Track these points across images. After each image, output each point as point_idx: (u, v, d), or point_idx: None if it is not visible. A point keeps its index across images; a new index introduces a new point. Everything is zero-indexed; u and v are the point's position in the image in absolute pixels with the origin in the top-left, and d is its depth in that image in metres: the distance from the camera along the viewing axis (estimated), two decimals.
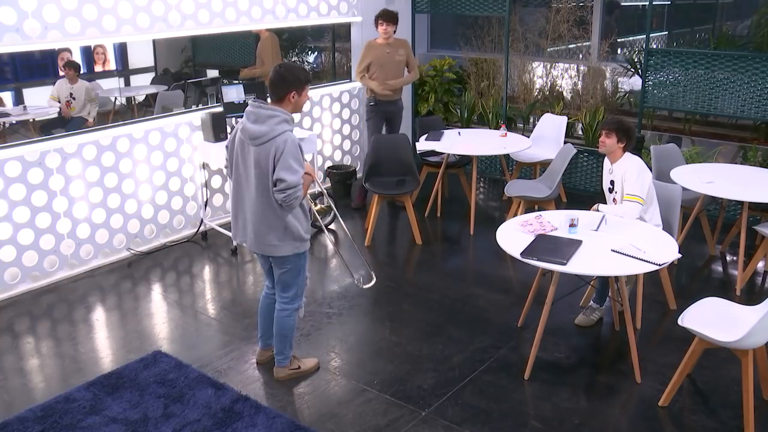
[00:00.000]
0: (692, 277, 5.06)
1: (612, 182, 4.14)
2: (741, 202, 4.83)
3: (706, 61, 5.88)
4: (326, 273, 5.12)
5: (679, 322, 3.33)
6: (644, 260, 3.45)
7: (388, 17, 6.04)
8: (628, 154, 4.07)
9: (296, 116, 6.53)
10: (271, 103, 3.30)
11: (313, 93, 6.73)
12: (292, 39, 9.37)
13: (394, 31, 6.08)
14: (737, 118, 6.41)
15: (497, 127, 6.85)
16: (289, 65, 3.38)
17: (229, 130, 5.54)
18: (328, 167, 6.91)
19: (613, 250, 3.57)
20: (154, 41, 7.24)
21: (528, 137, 6.34)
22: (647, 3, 5.99)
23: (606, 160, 4.19)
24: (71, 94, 6.72)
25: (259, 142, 3.19)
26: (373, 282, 4.57)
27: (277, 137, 3.17)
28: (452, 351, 4.00)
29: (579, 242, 3.65)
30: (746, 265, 4.83)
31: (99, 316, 4.51)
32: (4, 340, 4.19)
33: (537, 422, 3.38)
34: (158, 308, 4.62)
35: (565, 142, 6.06)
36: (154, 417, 3.40)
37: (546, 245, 3.62)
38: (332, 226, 5.98)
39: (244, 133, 3.26)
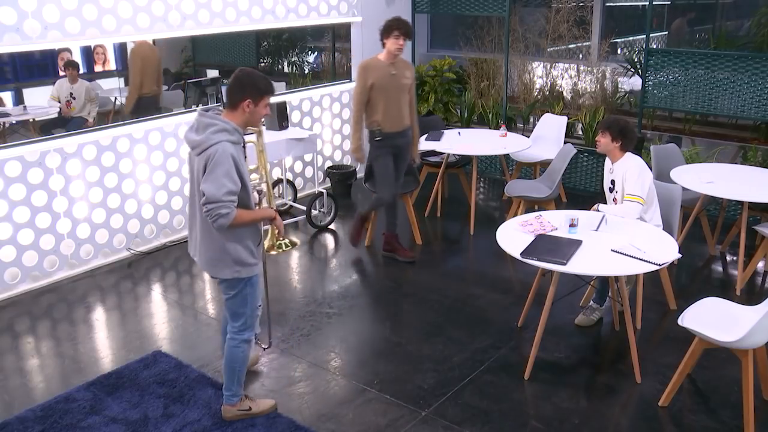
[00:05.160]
0: (692, 277, 5.06)
1: (612, 182, 4.14)
2: (741, 202, 4.83)
3: (706, 61, 5.88)
4: (326, 273, 5.12)
5: (679, 322, 3.33)
6: (644, 260, 3.45)
7: (406, 29, 4.78)
8: (629, 154, 4.06)
9: (296, 115, 6.54)
10: (225, 110, 3.02)
11: (313, 93, 6.74)
12: (292, 39, 9.37)
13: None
14: (737, 118, 6.40)
15: (497, 127, 6.85)
16: (251, 71, 3.03)
17: None
18: (328, 167, 6.91)
19: (613, 250, 3.57)
20: (154, 41, 7.22)
21: (528, 137, 6.34)
22: (647, 3, 5.99)
23: (607, 160, 4.19)
24: (71, 94, 6.72)
25: (197, 152, 2.94)
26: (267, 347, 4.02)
27: (210, 147, 2.87)
28: (452, 351, 4.00)
29: (579, 242, 3.65)
30: (746, 265, 4.83)
31: (99, 316, 4.51)
32: (4, 340, 4.19)
33: (537, 422, 3.38)
34: (158, 308, 4.62)
35: (565, 142, 6.06)
36: (154, 417, 3.40)
37: (546, 245, 3.62)
38: (332, 227, 5.98)
39: (186, 142, 3.03)
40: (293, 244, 3.39)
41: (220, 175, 2.85)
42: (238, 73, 3.00)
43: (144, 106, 6.54)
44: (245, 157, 3.03)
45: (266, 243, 3.65)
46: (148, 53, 6.53)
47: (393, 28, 4.78)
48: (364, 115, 4.93)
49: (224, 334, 3.40)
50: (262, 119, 3.13)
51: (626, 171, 4.01)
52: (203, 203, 2.87)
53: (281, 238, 3.36)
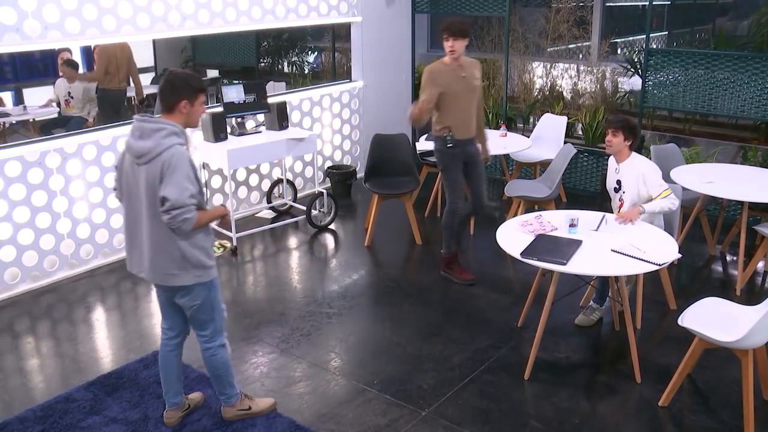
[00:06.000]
0: (692, 277, 5.06)
1: (618, 182, 4.12)
2: (741, 202, 4.83)
3: (706, 61, 5.88)
4: (326, 273, 5.12)
5: (679, 322, 3.33)
6: (644, 260, 3.45)
7: (452, 29, 4.46)
8: (634, 154, 4.06)
9: (296, 115, 6.54)
10: (162, 115, 2.94)
11: (313, 93, 6.74)
12: (292, 39, 9.38)
13: (465, 47, 4.58)
14: (737, 118, 6.40)
15: (497, 127, 6.85)
16: (180, 71, 2.99)
17: (229, 130, 5.54)
18: (328, 167, 6.91)
19: (613, 250, 3.57)
20: (154, 41, 7.22)
21: (528, 137, 6.34)
22: (647, 3, 6.00)
23: (611, 160, 4.17)
24: (69, 93, 6.74)
25: (146, 159, 2.83)
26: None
27: (163, 152, 2.80)
28: (452, 351, 4.00)
29: (579, 242, 3.65)
30: (746, 265, 4.83)
31: (99, 316, 4.51)
32: (4, 340, 4.19)
33: (537, 422, 3.38)
34: (158, 308, 4.60)
35: (565, 142, 6.06)
36: (154, 417, 3.40)
37: (546, 245, 3.62)
38: (332, 227, 5.98)
39: (130, 152, 2.90)
40: (224, 247, 3.41)
41: (182, 179, 2.80)
42: (168, 76, 2.93)
43: (110, 100, 6.85)
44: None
45: None
46: (115, 52, 6.76)
47: (441, 31, 4.52)
48: (433, 120, 4.67)
49: (163, 366, 3.27)
50: (200, 119, 3.04)
51: (642, 176, 3.96)
52: (168, 209, 2.78)
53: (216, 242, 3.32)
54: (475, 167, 4.79)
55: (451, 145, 4.63)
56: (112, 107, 6.82)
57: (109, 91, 6.85)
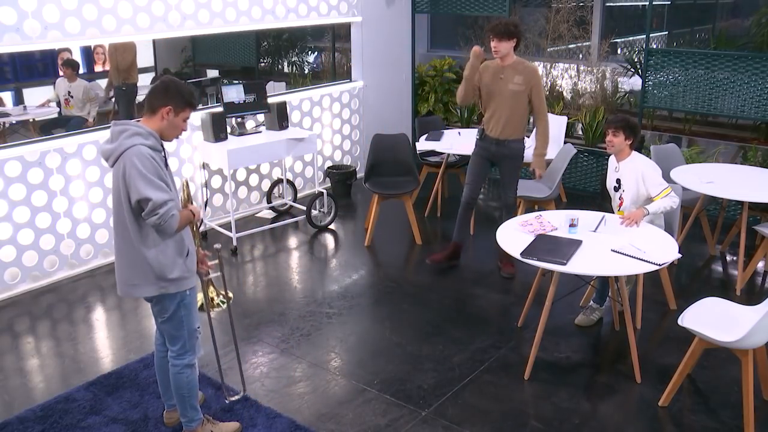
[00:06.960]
0: (692, 277, 5.06)
1: (618, 180, 4.13)
2: (741, 202, 4.83)
3: (706, 61, 5.88)
4: (326, 273, 5.12)
5: (679, 322, 3.33)
6: (644, 260, 3.45)
7: (495, 30, 4.52)
8: (635, 153, 4.06)
9: (296, 115, 6.53)
10: (144, 116, 2.83)
11: (313, 93, 6.74)
12: (292, 39, 9.38)
13: (514, 49, 4.60)
14: (737, 118, 6.40)
15: None
16: (179, 81, 2.89)
17: (229, 130, 5.54)
18: (328, 167, 6.91)
19: (613, 250, 3.57)
20: (154, 41, 7.24)
21: (528, 137, 6.33)
22: (647, 3, 5.99)
23: (611, 158, 4.18)
24: (69, 92, 6.75)
25: (112, 161, 2.74)
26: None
27: (124, 152, 2.68)
28: (452, 351, 4.00)
29: (579, 242, 3.65)
30: (746, 265, 4.83)
31: (99, 316, 4.51)
32: (4, 340, 4.19)
33: (537, 422, 3.38)
34: None
35: (565, 142, 6.06)
36: (154, 417, 3.40)
37: (546, 245, 3.62)
38: (332, 227, 5.98)
39: (102, 156, 2.81)
40: (229, 300, 3.43)
41: (152, 177, 2.69)
42: (165, 79, 2.85)
43: (135, 94, 7.10)
44: (166, 167, 2.88)
45: (200, 296, 3.43)
46: (134, 49, 6.94)
47: (486, 31, 4.63)
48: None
49: (158, 371, 3.25)
50: (179, 136, 2.93)
51: (642, 174, 3.96)
52: (153, 209, 2.66)
53: (219, 294, 3.31)
54: (502, 169, 4.94)
55: (478, 137, 4.92)
56: (132, 102, 7.07)
57: (135, 86, 7.09)
